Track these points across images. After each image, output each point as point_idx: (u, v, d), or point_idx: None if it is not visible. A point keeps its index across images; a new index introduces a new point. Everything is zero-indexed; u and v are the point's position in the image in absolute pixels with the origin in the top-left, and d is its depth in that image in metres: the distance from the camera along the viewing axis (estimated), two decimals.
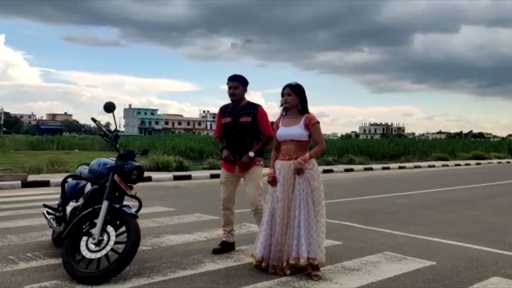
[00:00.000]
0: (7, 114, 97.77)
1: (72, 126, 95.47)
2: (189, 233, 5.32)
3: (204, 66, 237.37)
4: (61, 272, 3.59)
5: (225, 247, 4.48)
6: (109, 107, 3.90)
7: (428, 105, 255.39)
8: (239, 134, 4.38)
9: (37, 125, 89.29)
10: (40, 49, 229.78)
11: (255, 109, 4.41)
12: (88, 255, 3.51)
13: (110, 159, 4.12)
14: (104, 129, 4.03)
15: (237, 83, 4.41)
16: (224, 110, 4.57)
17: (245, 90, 4.49)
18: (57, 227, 4.15)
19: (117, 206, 3.70)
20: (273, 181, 3.87)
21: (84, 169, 4.30)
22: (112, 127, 4.22)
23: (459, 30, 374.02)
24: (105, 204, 3.63)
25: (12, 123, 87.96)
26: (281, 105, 3.96)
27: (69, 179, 4.33)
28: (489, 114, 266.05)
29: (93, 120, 4.04)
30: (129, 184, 3.94)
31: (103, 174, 3.95)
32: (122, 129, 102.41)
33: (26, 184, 9.94)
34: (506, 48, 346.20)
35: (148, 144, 26.75)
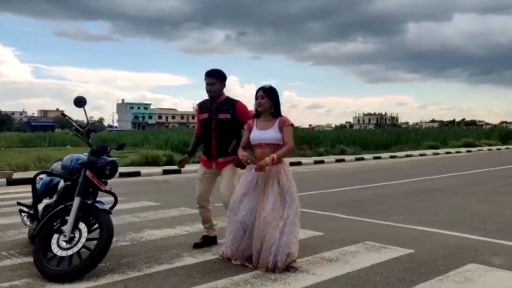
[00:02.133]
0: None
1: (64, 122, 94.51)
2: (170, 227, 5.28)
3: (197, 59, 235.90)
4: (33, 271, 3.54)
5: (207, 241, 4.44)
6: (80, 102, 3.84)
7: (422, 94, 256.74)
8: (218, 131, 4.24)
9: (28, 122, 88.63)
10: (31, 45, 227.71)
11: (233, 105, 4.27)
12: (59, 252, 3.45)
13: (83, 155, 4.05)
14: (75, 124, 3.95)
15: (214, 79, 4.25)
16: (202, 105, 4.43)
17: (224, 85, 4.35)
18: (30, 225, 4.10)
19: (89, 202, 3.64)
20: (246, 159, 3.77)
21: (58, 166, 4.24)
22: (106, 123, 4.13)
23: (452, 18, 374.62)
24: (76, 201, 3.58)
25: (2, 120, 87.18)
26: (256, 108, 3.91)
27: (44, 176, 4.27)
28: (482, 102, 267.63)
29: (63, 115, 3.97)
30: (103, 180, 3.88)
31: (75, 170, 3.89)
32: (116, 124, 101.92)
33: (11, 182, 9.85)
34: (499, 36, 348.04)
35: (141, 139, 26.61)
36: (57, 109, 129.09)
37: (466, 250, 4.28)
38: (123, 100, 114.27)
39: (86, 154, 3.97)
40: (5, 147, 25.76)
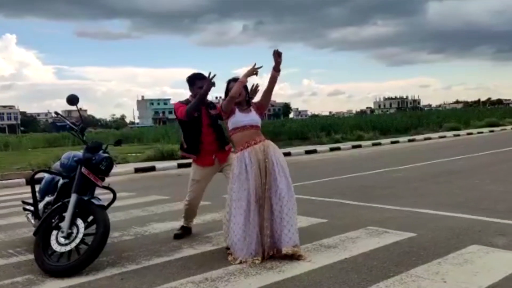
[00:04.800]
0: (23, 114, 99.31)
1: (87, 121, 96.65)
2: (175, 220, 5.30)
3: (216, 52, 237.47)
4: (36, 267, 3.63)
5: (185, 232, 4.60)
6: (72, 100, 3.89)
7: (446, 75, 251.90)
8: (213, 125, 4.37)
9: (53, 123, 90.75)
10: (53, 46, 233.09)
11: (214, 104, 4.48)
12: (58, 248, 3.54)
13: (80, 152, 4.12)
14: (68, 122, 4.02)
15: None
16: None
17: None
18: (34, 223, 4.21)
19: (86, 198, 3.71)
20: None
21: (57, 164, 4.33)
22: (127, 120, 4.20)
23: None
24: (73, 197, 3.65)
25: (28, 122, 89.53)
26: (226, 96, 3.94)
27: (46, 174, 4.37)
28: (510, 79, 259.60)
29: (56, 113, 4.05)
30: (100, 176, 3.93)
31: (73, 167, 3.96)
32: (137, 121, 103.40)
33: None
34: None
35: (162, 134, 26.91)
36: (81, 109, 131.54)
37: (471, 232, 4.19)
38: (143, 96, 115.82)
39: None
40: (31, 148, 26.45)
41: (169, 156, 13.80)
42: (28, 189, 8.96)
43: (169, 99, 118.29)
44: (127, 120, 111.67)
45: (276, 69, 3.81)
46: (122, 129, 64.67)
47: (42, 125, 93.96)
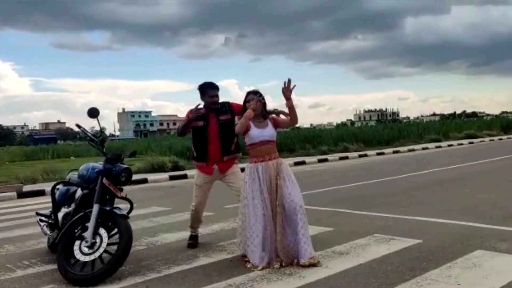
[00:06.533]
0: None
1: (66, 134, 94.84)
2: (184, 230, 5.38)
3: (198, 65, 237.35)
4: (57, 277, 3.69)
5: (195, 240, 4.72)
6: (93, 113, 3.99)
7: (423, 88, 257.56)
8: (222, 132, 4.39)
9: (31, 136, 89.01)
10: (30, 58, 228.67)
11: (229, 106, 4.48)
12: (82, 258, 3.61)
13: (98, 163, 4.20)
14: (89, 134, 4.11)
15: (218, 91, 4.48)
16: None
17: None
18: (51, 234, 4.25)
19: (108, 208, 3.79)
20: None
21: (74, 175, 4.39)
22: (107, 133, 4.29)
23: (450, 10, 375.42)
24: (95, 208, 3.73)
25: (4, 135, 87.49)
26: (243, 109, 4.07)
27: (60, 186, 4.42)
28: (483, 92, 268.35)
29: (78, 126, 4.14)
30: (119, 187, 4.02)
31: (92, 178, 4.04)
32: (118, 133, 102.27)
33: (21, 195, 10.01)
34: (498, 26, 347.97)
35: (144, 146, 26.75)
36: (58, 121, 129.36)
37: (473, 238, 4.41)
38: (123, 109, 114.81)
39: (101, 162, 4.12)
40: (9, 161, 25.93)
41: (160, 168, 13.84)
42: (22, 202, 8.99)
43: (150, 112, 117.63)
44: (107, 132, 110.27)
45: (287, 102, 3.92)
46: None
47: (19, 138, 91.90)
